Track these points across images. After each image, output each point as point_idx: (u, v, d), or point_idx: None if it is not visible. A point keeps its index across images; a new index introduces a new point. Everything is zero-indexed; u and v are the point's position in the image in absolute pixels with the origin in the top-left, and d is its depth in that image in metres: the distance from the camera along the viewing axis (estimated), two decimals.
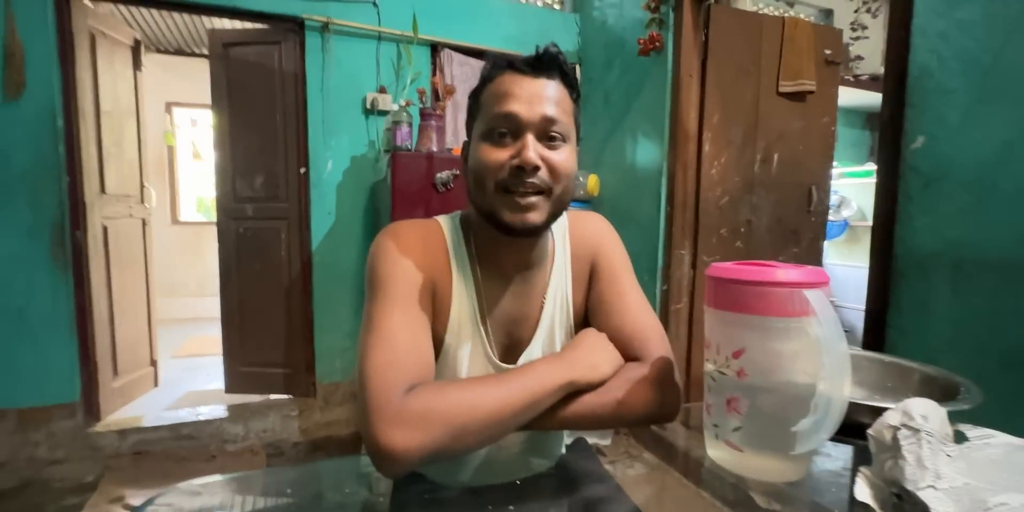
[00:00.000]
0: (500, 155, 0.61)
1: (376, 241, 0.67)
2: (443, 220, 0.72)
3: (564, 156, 0.63)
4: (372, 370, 0.55)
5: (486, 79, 0.66)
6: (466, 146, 0.70)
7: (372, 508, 0.73)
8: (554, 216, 0.65)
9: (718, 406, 0.55)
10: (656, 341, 0.67)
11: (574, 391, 0.61)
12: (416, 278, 0.64)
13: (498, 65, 0.65)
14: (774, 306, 0.50)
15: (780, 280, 0.50)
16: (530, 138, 0.61)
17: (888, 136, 1.22)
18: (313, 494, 0.77)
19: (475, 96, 0.68)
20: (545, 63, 0.63)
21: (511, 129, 0.61)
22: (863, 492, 0.49)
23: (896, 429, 0.48)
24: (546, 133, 0.62)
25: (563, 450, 0.79)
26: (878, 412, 0.56)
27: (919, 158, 1.16)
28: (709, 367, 0.56)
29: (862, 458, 0.55)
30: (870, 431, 0.52)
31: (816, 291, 0.50)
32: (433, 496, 0.70)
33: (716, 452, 0.57)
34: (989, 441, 0.55)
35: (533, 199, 0.62)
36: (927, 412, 0.49)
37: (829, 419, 0.48)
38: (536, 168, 0.60)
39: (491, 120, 0.62)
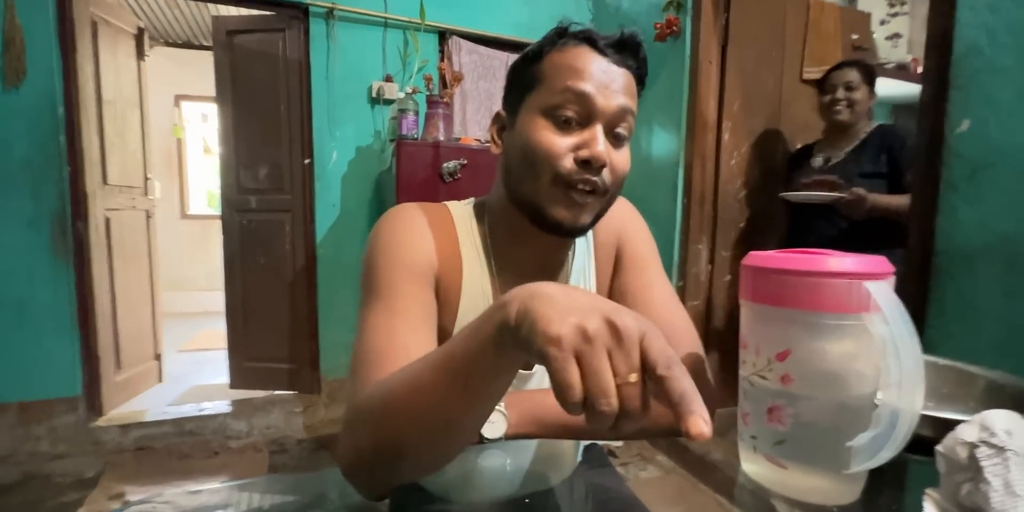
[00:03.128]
0: (564, 142, 0.54)
1: (376, 227, 0.60)
2: (454, 206, 0.65)
3: (626, 157, 0.57)
4: (353, 381, 0.49)
5: (550, 46, 0.56)
6: (501, 119, 0.61)
7: None
8: (599, 219, 0.59)
9: (757, 416, 0.48)
10: (686, 338, 0.59)
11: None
12: (415, 269, 0.56)
13: (573, 34, 0.55)
14: (829, 300, 0.43)
15: (837, 270, 0.43)
16: (600, 130, 0.53)
17: (928, 120, 1.13)
18: (309, 503, 0.71)
19: (528, 62, 0.58)
20: (629, 49, 0.55)
21: (580, 113, 0.54)
22: None
23: (974, 446, 0.41)
24: (614, 128, 0.55)
25: (578, 459, 0.72)
26: (943, 424, 0.49)
27: (965, 143, 1.06)
28: (746, 371, 0.49)
29: (923, 477, 0.47)
30: (939, 448, 0.44)
31: (880, 283, 0.42)
32: (435, 508, 0.64)
33: (753, 467, 0.50)
34: None
35: (590, 199, 0.55)
36: (1011, 427, 0.41)
37: (896, 434, 0.40)
38: (603, 166, 0.53)
39: (559, 95, 0.53)
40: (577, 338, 0.28)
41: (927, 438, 0.45)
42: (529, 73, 0.57)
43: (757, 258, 0.48)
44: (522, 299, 0.32)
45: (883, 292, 0.41)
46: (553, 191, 0.54)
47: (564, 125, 0.54)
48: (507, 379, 0.37)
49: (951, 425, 0.46)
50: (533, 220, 0.57)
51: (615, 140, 0.55)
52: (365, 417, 0.43)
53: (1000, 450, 0.40)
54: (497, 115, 0.62)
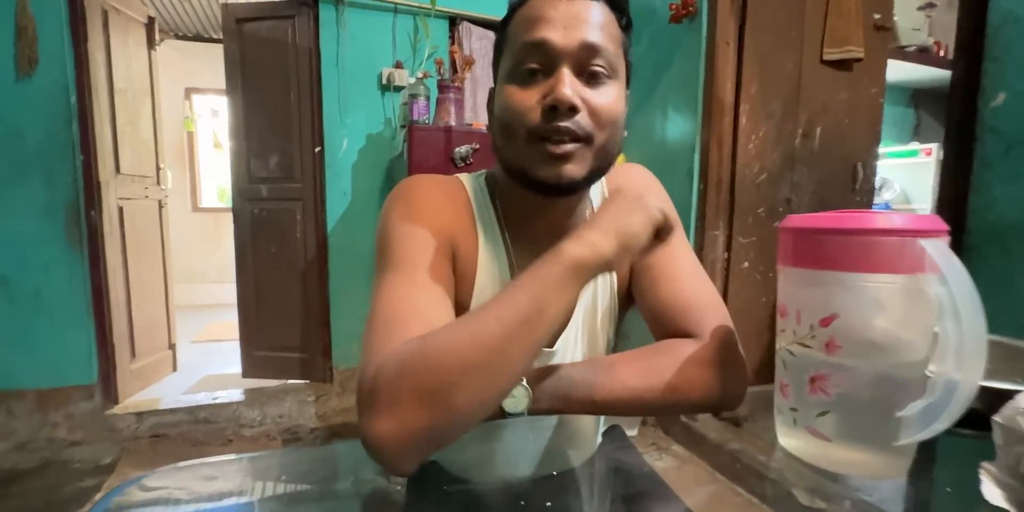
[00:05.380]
0: (529, 96, 0.50)
1: (389, 198, 0.58)
2: (466, 178, 0.63)
3: (610, 96, 0.51)
4: (367, 348, 0.45)
5: (515, 5, 0.54)
6: (492, 94, 0.58)
7: (387, 497, 0.65)
8: (598, 172, 0.54)
9: (797, 386, 0.45)
10: (714, 313, 0.56)
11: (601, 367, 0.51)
12: (433, 241, 0.54)
13: None
14: (879, 260, 0.40)
15: (887, 227, 0.40)
16: (566, 71, 0.49)
17: (960, 94, 1.09)
18: (326, 479, 0.69)
19: (502, 28, 0.56)
20: None
21: (543, 62, 0.50)
22: (993, 493, 0.39)
23: None
24: (587, 66, 0.50)
25: (599, 439, 0.70)
26: (997, 396, 0.46)
27: (1000, 118, 1.02)
28: (785, 340, 0.46)
29: (975, 450, 0.45)
30: (997, 418, 0.41)
31: (936, 241, 0.39)
32: (454, 489, 0.62)
33: (793, 441, 0.47)
34: None
35: (570, 147, 0.50)
36: None
37: (953, 404, 0.38)
38: (573, 108, 0.49)
39: (518, 53, 0.51)
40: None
41: (977, 411, 0.42)
42: (503, 39, 0.55)
43: (798, 220, 0.45)
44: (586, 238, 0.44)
45: (940, 250, 0.38)
46: (529, 149, 0.51)
47: (530, 79, 0.51)
48: (568, 317, 0.46)
49: (1005, 397, 0.44)
50: (524, 184, 0.54)
51: (591, 79, 0.51)
52: (410, 374, 0.39)
53: None
54: (491, 92, 0.59)
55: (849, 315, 0.42)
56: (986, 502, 0.38)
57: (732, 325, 0.57)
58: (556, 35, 0.49)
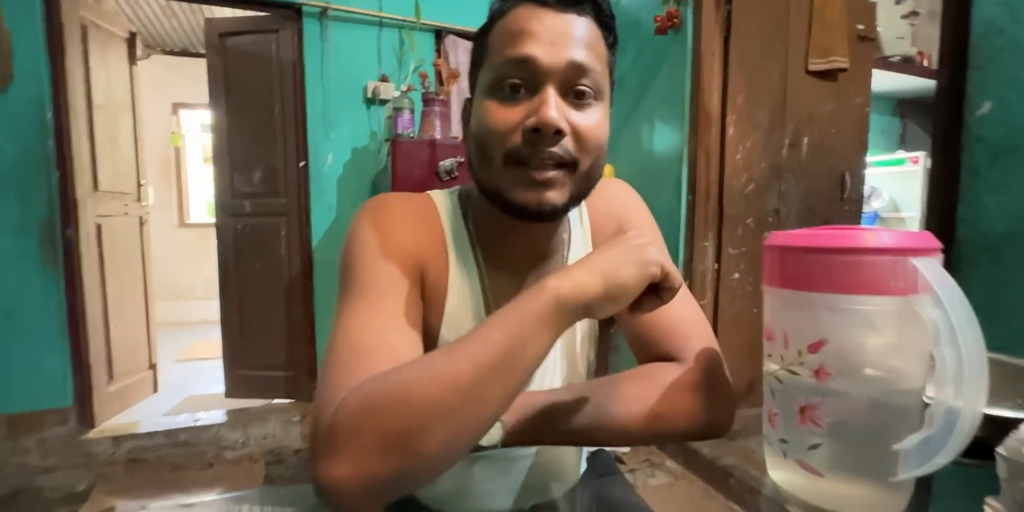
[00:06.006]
0: (511, 115, 0.47)
1: (354, 219, 0.55)
2: (437, 196, 0.59)
3: (595, 119, 0.48)
4: (327, 381, 0.42)
5: (496, 14, 0.51)
6: (468, 105, 0.55)
7: None
8: (578, 198, 0.51)
9: (786, 416, 0.42)
10: (699, 334, 0.53)
11: (581, 400, 0.47)
12: (401, 264, 0.51)
13: None
14: (869, 281, 0.37)
15: (877, 245, 0.37)
16: (551, 92, 0.46)
17: (946, 104, 1.07)
18: None
19: (481, 38, 0.53)
20: None
21: (526, 80, 0.47)
22: None
23: None
24: (573, 86, 0.47)
25: (583, 466, 0.66)
26: (999, 424, 0.43)
27: (986, 126, 1.01)
28: (772, 366, 0.43)
29: (978, 484, 0.41)
30: (1000, 449, 0.38)
31: (928, 259, 0.36)
32: None
33: (783, 475, 0.44)
34: None
35: (552, 174, 0.47)
36: None
37: (954, 436, 0.35)
38: (559, 132, 0.46)
39: (500, 68, 0.48)
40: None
41: (979, 440, 0.39)
42: (481, 49, 0.52)
43: (782, 237, 0.42)
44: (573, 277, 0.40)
45: (934, 270, 0.36)
46: (509, 173, 0.48)
47: (512, 95, 0.47)
48: (543, 359, 0.39)
49: (1010, 424, 0.41)
50: (500, 208, 0.50)
51: (577, 100, 0.48)
52: (369, 416, 0.36)
53: None
54: (465, 102, 0.56)
55: (839, 340, 0.39)
56: None
57: (718, 347, 0.54)
58: (542, 52, 0.46)
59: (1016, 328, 0.95)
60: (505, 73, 0.47)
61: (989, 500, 0.38)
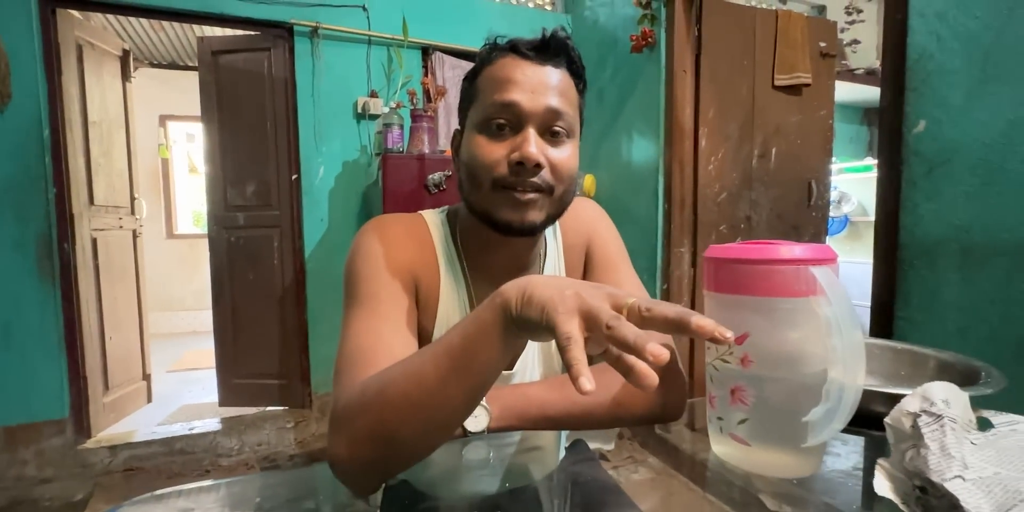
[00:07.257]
0: (498, 150, 0.57)
1: (357, 238, 0.64)
2: (428, 215, 0.68)
3: (567, 154, 0.58)
4: (337, 379, 0.51)
5: (484, 61, 0.60)
6: (458, 135, 0.65)
7: None
8: (553, 217, 0.61)
9: (722, 398, 0.51)
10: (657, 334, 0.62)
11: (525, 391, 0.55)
12: (396, 276, 0.60)
13: (499, 47, 0.59)
14: (778, 286, 0.46)
15: (783, 257, 0.46)
16: (532, 132, 0.56)
17: (888, 122, 1.19)
18: (302, 502, 0.72)
19: (470, 80, 0.62)
20: (552, 48, 0.57)
21: (511, 120, 0.56)
22: (883, 486, 0.45)
23: (916, 416, 0.44)
24: (549, 127, 0.57)
25: (561, 454, 0.75)
26: (894, 400, 0.52)
27: (922, 143, 1.12)
28: (710, 356, 0.52)
29: (879, 450, 0.51)
30: (887, 419, 0.47)
31: (823, 268, 0.46)
32: (423, 506, 0.66)
33: (721, 448, 0.53)
34: (1016, 427, 0.50)
35: (533, 196, 0.57)
36: (948, 396, 0.45)
37: (843, 407, 0.44)
38: (538, 166, 0.56)
39: (488, 109, 0.57)
40: (574, 303, 0.36)
41: (883, 414, 0.48)
42: (471, 90, 0.61)
43: (716, 250, 0.51)
44: (519, 287, 0.39)
45: (826, 276, 0.45)
46: (496, 196, 0.57)
47: (498, 132, 0.57)
48: (502, 363, 0.42)
49: (898, 399, 0.50)
50: (488, 224, 0.59)
51: (552, 138, 0.57)
52: (360, 408, 0.45)
53: (938, 417, 0.43)
54: (455, 132, 0.66)
55: (759, 333, 0.48)
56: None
57: (673, 343, 0.63)
58: (524, 98, 0.56)
59: (951, 324, 1.06)
60: (493, 113, 0.57)
61: (880, 460, 0.47)
